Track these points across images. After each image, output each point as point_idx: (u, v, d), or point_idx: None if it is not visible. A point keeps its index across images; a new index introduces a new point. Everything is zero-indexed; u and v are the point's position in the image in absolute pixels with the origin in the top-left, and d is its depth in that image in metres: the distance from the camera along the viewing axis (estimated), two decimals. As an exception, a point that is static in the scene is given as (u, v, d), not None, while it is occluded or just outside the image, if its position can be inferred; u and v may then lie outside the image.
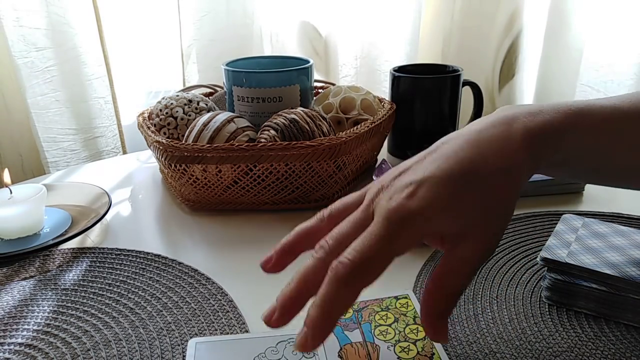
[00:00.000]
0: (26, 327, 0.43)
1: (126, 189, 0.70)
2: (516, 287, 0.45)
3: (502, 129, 0.32)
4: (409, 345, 0.38)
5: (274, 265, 0.34)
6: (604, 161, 0.36)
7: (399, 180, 0.31)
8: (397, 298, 0.43)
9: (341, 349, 0.38)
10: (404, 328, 0.39)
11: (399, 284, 0.46)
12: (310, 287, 0.30)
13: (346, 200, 0.34)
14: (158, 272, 0.49)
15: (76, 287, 0.48)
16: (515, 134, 0.32)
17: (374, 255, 0.29)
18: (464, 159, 0.31)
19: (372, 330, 0.39)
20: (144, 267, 0.50)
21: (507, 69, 0.92)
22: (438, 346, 0.38)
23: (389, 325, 0.40)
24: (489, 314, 0.42)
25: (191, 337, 0.40)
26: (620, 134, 0.35)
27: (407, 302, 0.42)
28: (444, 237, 0.32)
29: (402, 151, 0.75)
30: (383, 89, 0.96)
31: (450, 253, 0.32)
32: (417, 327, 0.39)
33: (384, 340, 0.38)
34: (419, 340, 0.38)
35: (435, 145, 0.33)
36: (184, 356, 0.39)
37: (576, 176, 0.48)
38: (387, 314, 0.41)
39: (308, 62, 0.67)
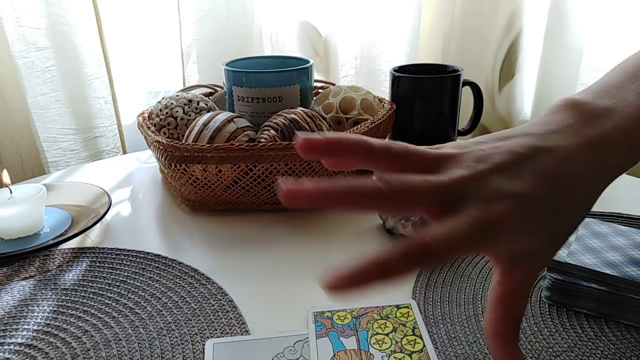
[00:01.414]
0: (26, 327, 0.43)
1: (126, 189, 0.70)
2: (516, 287, 0.45)
3: (586, 151, 0.31)
4: (404, 356, 0.37)
5: (328, 153, 0.29)
6: None
7: (496, 181, 0.29)
8: (398, 307, 0.42)
9: (334, 355, 0.37)
10: (402, 338, 0.39)
11: (400, 291, 0.45)
12: (353, 200, 0.27)
13: (419, 151, 0.30)
14: (158, 272, 0.49)
15: (76, 287, 0.48)
16: (594, 152, 0.31)
17: (448, 247, 0.27)
18: (559, 182, 0.30)
19: (369, 339, 0.39)
20: (144, 267, 0.50)
21: (507, 69, 0.92)
22: (433, 358, 0.37)
23: (387, 335, 0.39)
24: (489, 314, 0.42)
25: (191, 337, 0.40)
26: None
27: (408, 311, 0.42)
28: (507, 254, 0.31)
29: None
30: (383, 89, 0.96)
31: (508, 274, 0.31)
32: (415, 339, 0.39)
33: (379, 350, 0.38)
34: (414, 352, 0.38)
35: (534, 144, 0.30)
36: (184, 357, 0.39)
37: None
38: (386, 323, 0.41)
39: (308, 62, 0.67)
